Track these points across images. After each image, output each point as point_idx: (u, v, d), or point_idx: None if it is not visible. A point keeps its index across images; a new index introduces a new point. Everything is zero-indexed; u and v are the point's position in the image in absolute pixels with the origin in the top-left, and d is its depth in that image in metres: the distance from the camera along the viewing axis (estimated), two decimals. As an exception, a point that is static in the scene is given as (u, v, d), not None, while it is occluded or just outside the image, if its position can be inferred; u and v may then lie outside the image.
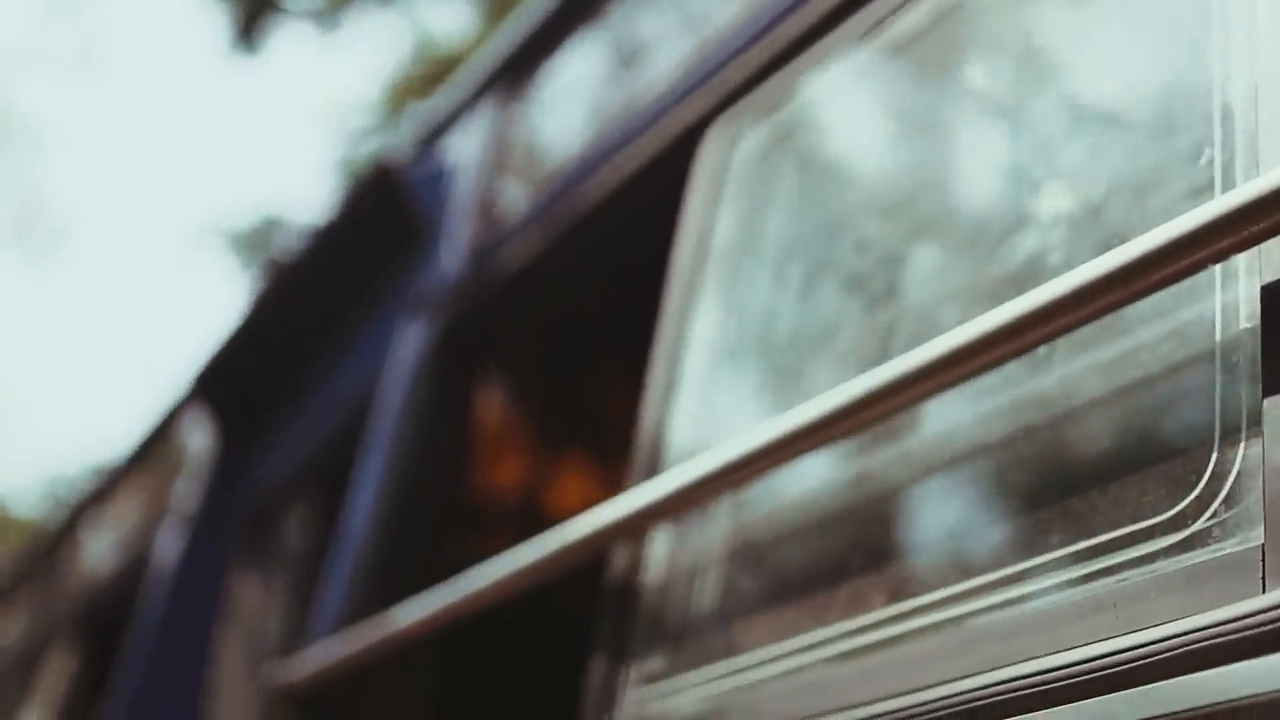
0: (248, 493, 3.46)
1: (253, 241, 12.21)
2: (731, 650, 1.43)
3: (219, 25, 12.10)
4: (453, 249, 2.59)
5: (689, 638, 1.50)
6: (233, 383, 3.52)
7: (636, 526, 1.57)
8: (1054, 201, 1.30)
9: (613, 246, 2.26)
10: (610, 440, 2.74)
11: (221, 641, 3.29)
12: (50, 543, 5.22)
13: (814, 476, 1.42)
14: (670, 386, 1.72)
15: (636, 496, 1.56)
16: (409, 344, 2.55)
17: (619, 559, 1.65)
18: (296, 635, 2.85)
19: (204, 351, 3.60)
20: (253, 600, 3.29)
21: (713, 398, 1.67)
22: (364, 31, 12.22)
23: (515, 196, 2.51)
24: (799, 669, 1.34)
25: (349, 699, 2.26)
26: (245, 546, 3.38)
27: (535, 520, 2.86)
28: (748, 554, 1.47)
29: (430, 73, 11.56)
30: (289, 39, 12.09)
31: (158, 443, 4.23)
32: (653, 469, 1.67)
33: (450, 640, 2.31)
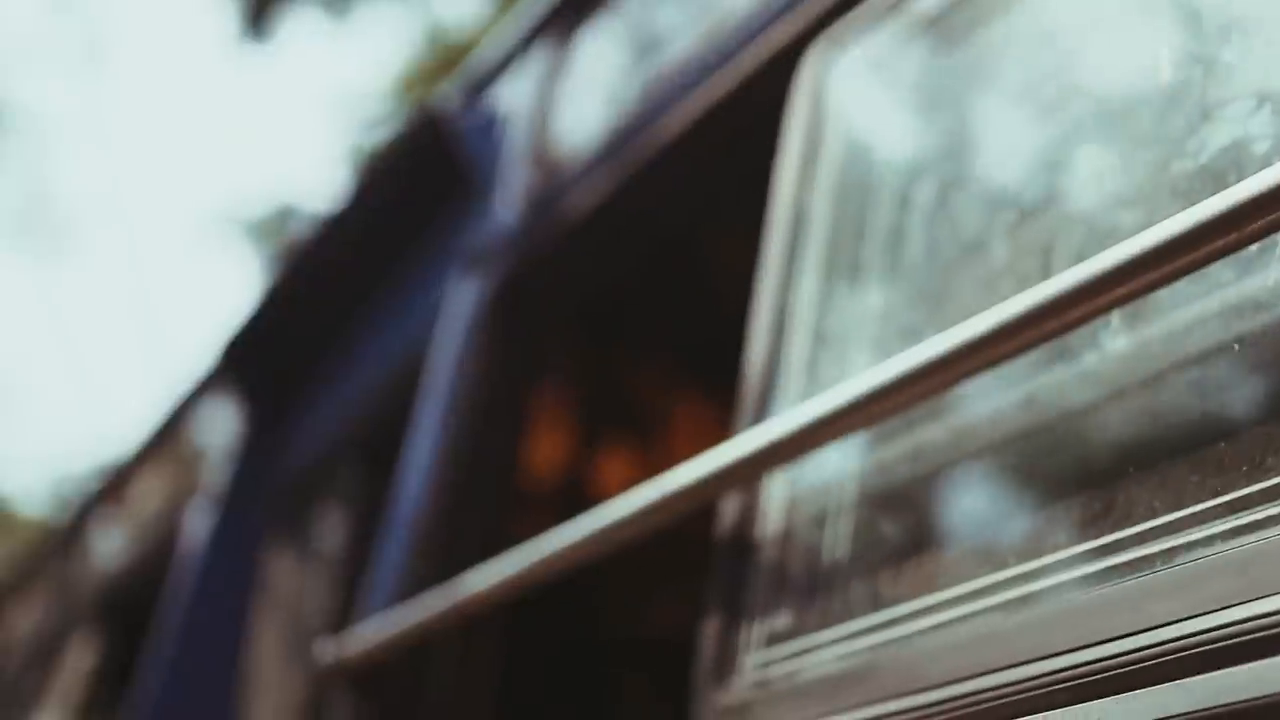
0: (281, 469, 3.30)
1: (266, 230, 12.05)
2: (874, 604, 1.27)
3: (228, 14, 11.97)
4: (508, 199, 2.43)
5: (820, 591, 1.34)
6: (263, 354, 3.36)
7: (750, 472, 1.41)
8: (1254, 84, 1.14)
9: (692, 185, 2.10)
10: (690, 401, 2.58)
11: (257, 623, 3.13)
12: (67, 532, 5.06)
13: (969, 404, 1.26)
14: (779, 322, 1.56)
15: (749, 440, 1.40)
16: (463, 301, 2.39)
17: (729, 509, 1.49)
18: (343, 612, 2.69)
19: (229, 326, 3.44)
20: (289, 580, 3.13)
21: (830, 331, 1.51)
22: (375, 20, 12.07)
23: (577, 140, 2.35)
24: (957, 621, 1.18)
25: (408, 675, 2.10)
26: (280, 525, 3.22)
27: (604, 489, 2.71)
28: (891, 495, 1.31)
29: (442, 61, 11.42)
30: (299, 28, 11.93)
31: (180, 423, 4.06)
32: (763, 410, 1.51)
33: (515, 610, 2.15)
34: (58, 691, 4.37)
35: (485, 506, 2.22)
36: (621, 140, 2.20)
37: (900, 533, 1.28)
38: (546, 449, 2.56)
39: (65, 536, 5.08)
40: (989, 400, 1.23)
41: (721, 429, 1.61)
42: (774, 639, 1.35)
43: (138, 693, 3.31)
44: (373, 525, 2.81)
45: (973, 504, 1.22)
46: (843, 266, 1.54)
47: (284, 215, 12.02)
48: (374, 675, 2.09)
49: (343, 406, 2.97)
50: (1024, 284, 1.27)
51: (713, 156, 2.05)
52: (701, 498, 1.46)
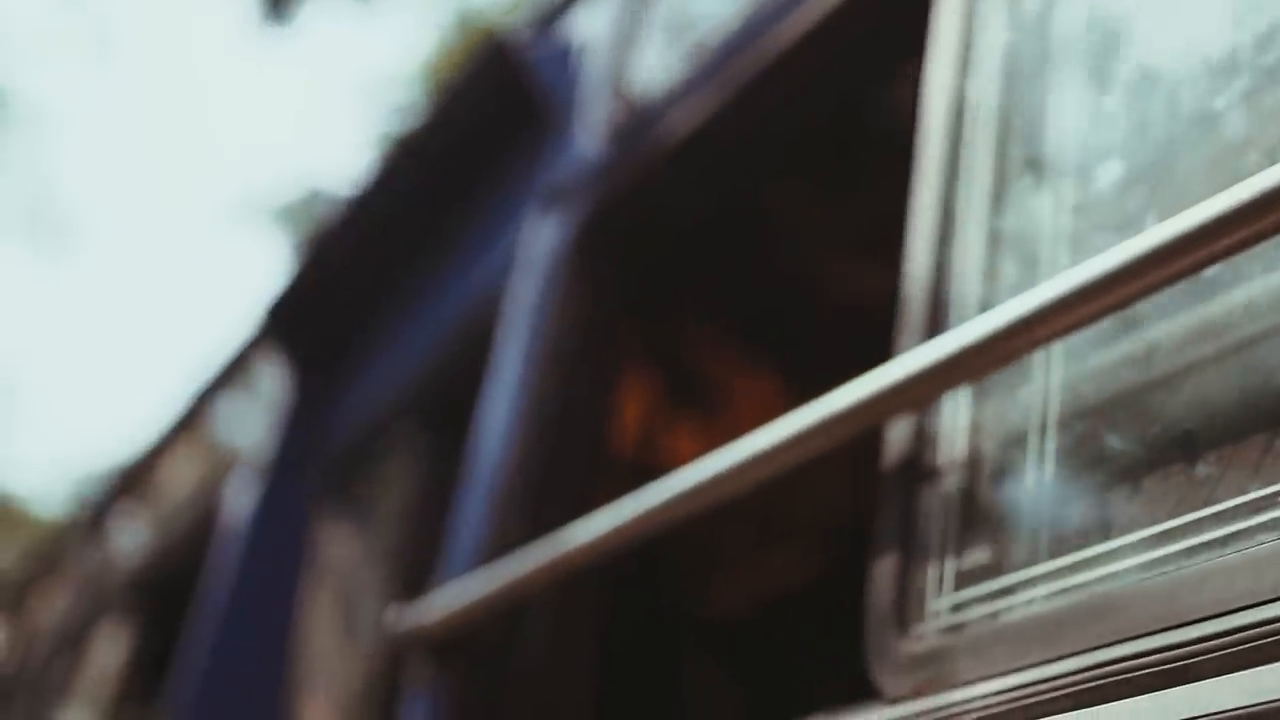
0: (331, 436, 3.12)
1: (292, 217, 11.86)
2: (1098, 532, 1.07)
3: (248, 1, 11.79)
4: (589, 131, 2.23)
5: (1024, 521, 1.14)
6: (309, 316, 3.17)
7: (927, 391, 1.22)
8: None
9: (803, 99, 1.91)
10: (797, 343, 2.38)
11: (309, 597, 2.94)
12: (93, 518, 4.87)
13: (1215, 292, 1.06)
14: (943, 227, 1.36)
15: (924, 355, 1.21)
16: (542, 242, 2.19)
17: (897, 436, 1.29)
18: (407, 581, 2.50)
19: (271, 290, 3.25)
20: (344, 551, 2.94)
21: (1010, 230, 1.31)
22: (402, 3, 11.88)
23: (666, 64, 2.15)
24: (1212, 546, 0.98)
25: (494, 642, 1.91)
26: (331, 495, 3.03)
27: (723, 421, 2.52)
28: (1114, 405, 1.11)
29: (470, 45, 11.23)
30: (323, 11, 11.74)
31: (216, 398, 3.87)
32: (934, 322, 1.31)
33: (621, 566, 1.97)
34: (87, 679, 4.19)
35: (575, 461, 2.03)
36: (720, 60, 2.00)
37: (1131, 449, 1.08)
38: (660, 385, 2.37)
39: (91, 523, 4.90)
40: (1243, 286, 1.03)
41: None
42: (968, 578, 1.16)
43: (180, 673, 3.12)
44: (437, 488, 2.62)
45: (1224, 409, 1.02)
46: (1021, 159, 1.34)
47: (310, 201, 11.83)
48: (455, 643, 1.89)
49: (400, 366, 2.78)
50: (1273, 156, 1.08)
51: (833, 64, 1.85)
52: (864, 423, 1.27)
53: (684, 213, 2.14)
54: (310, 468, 3.14)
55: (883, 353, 1.36)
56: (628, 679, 2.67)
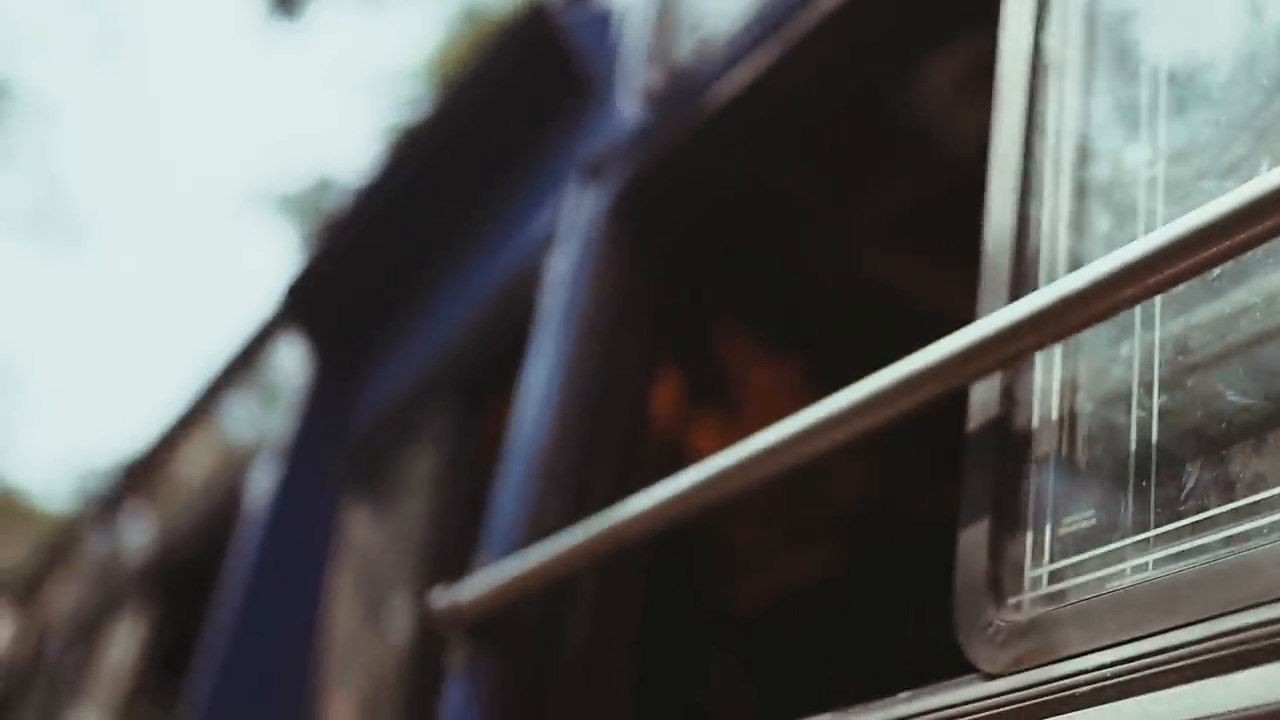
0: (355, 417, 3.05)
1: (302, 210, 11.79)
2: (1221, 493, 1.00)
3: (258, -7, 11.72)
4: (628, 97, 2.16)
5: (1132, 483, 1.07)
6: (331, 295, 3.10)
7: (1017, 349, 1.15)
8: None
9: (854, 63, 1.84)
10: (856, 312, 2.31)
11: (332, 584, 2.87)
12: (105, 507, 4.80)
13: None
14: (1024, 178, 1.30)
15: (1013, 312, 1.14)
16: (581, 213, 2.12)
17: (982, 397, 1.22)
18: (440, 564, 2.44)
19: (291, 270, 3.18)
20: (368, 536, 2.87)
21: (1100, 181, 1.24)
22: (409, -2, 11.82)
23: (711, 27, 2.08)
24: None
25: (537, 622, 1.84)
26: (357, 476, 2.96)
27: (745, 413, 2.46)
28: (1232, 357, 1.04)
29: (478, 39, 11.16)
30: (333, 6, 11.68)
31: (233, 380, 3.80)
32: (1019, 278, 1.25)
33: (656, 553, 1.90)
34: (102, 671, 4.12)
35: (615, 437, 1.96)
36: (765, 23, 1.93)
37: (1250, 403, 1.01)
38: (704, 355, 2.30)
39: (105, 512, 4.83)
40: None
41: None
42: (1069, 544, 1.09)
43: (200, 663, 3.05)
44: (465, 471, 2.56)
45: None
46: (1108, 106, 1.27)
47: (319, 194, 11.76)
48: (495, 625, 1.83)
49: (428, 346, 2.71)
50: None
51: (882, 30, 1.78)
52: (950, 384, 1.20)
53: (728, 178, 2.07)
54: (333, 452, 3.08)
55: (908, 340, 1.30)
56: (652, 674, 2.60)
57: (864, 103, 2.17)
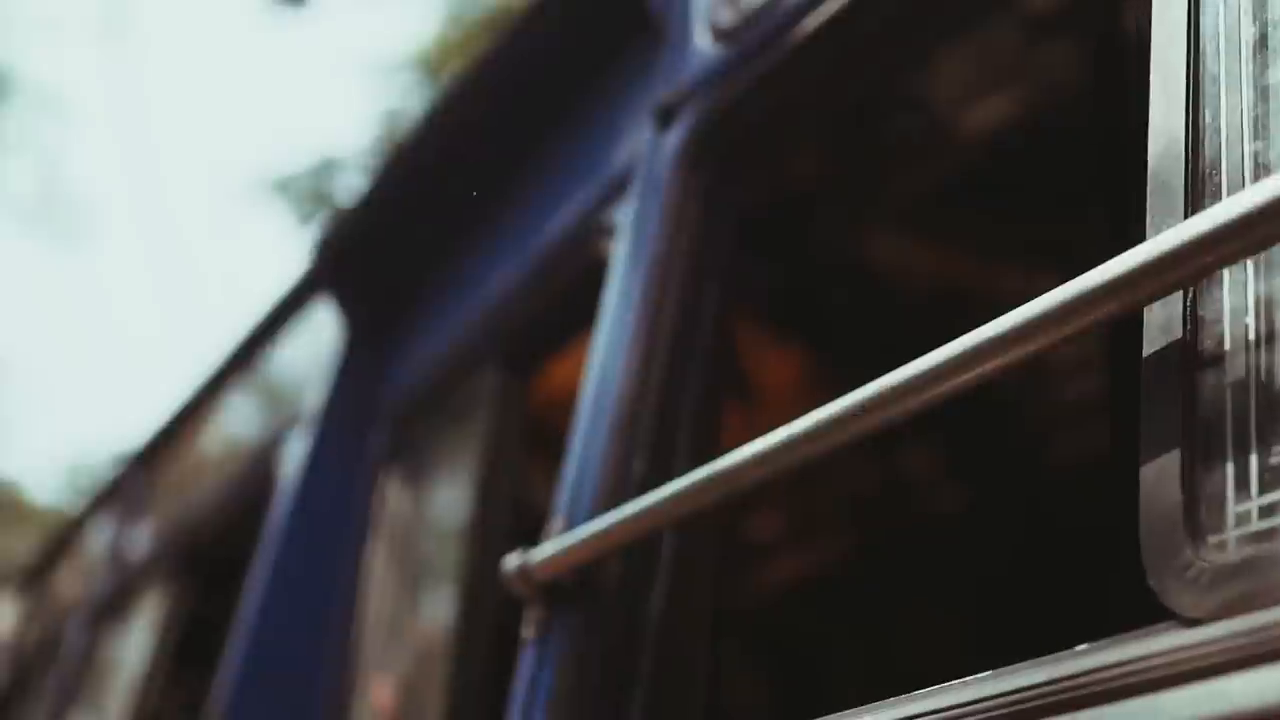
0: (393, 385, 2.92)
1: (302, 196, 11.64)
2: None
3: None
4: (702, 34, 2.04)
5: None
6: (369, 255, 2.96)
7: (1197, 268, 1.03)
8: None
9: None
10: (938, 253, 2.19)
11: (372, 557, 2.75)
12: (125, 485, 4.67)
13: None
14: (1191, 84, 1.18)
15: (1191, 228, 1.02)
16: (653, 157, 2.00)
17: (1157, 319, 1.10)
18: (494, 533, 2.32)
19: (328, 227, 3.05)
20: (410, 508, 2.75)
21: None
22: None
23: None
24: None
25: (614, 588, 1.71)
26: (393, 448, 2.83)
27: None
28: None
29: (479, 25, 11.05)
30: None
31: (261, 348, 3.65)
32: (1194, 196, 1.13)
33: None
34: (120, 655, 4.00)
35: (697, 393, 1.83)
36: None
37: None
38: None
39: (117, 495, 4.70)
40: None
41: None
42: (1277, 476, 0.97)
43: (230, 644, 2.93)
44: (514, 436, 2.44)
45: None
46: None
47: (321, 179, 11.62)
48: (574, 589, 1.71)
49: (474, 305, 2.58)
50: None
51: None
52: (1125, 305, 1.08)
53: (808, 113, 1.95)
54: (368, 423, 2.96)
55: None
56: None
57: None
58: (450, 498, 2.59)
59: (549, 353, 2.42)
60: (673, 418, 1.79)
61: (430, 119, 2.67)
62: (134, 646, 3.86)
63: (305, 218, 11.39)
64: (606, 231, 2.04)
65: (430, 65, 11.46)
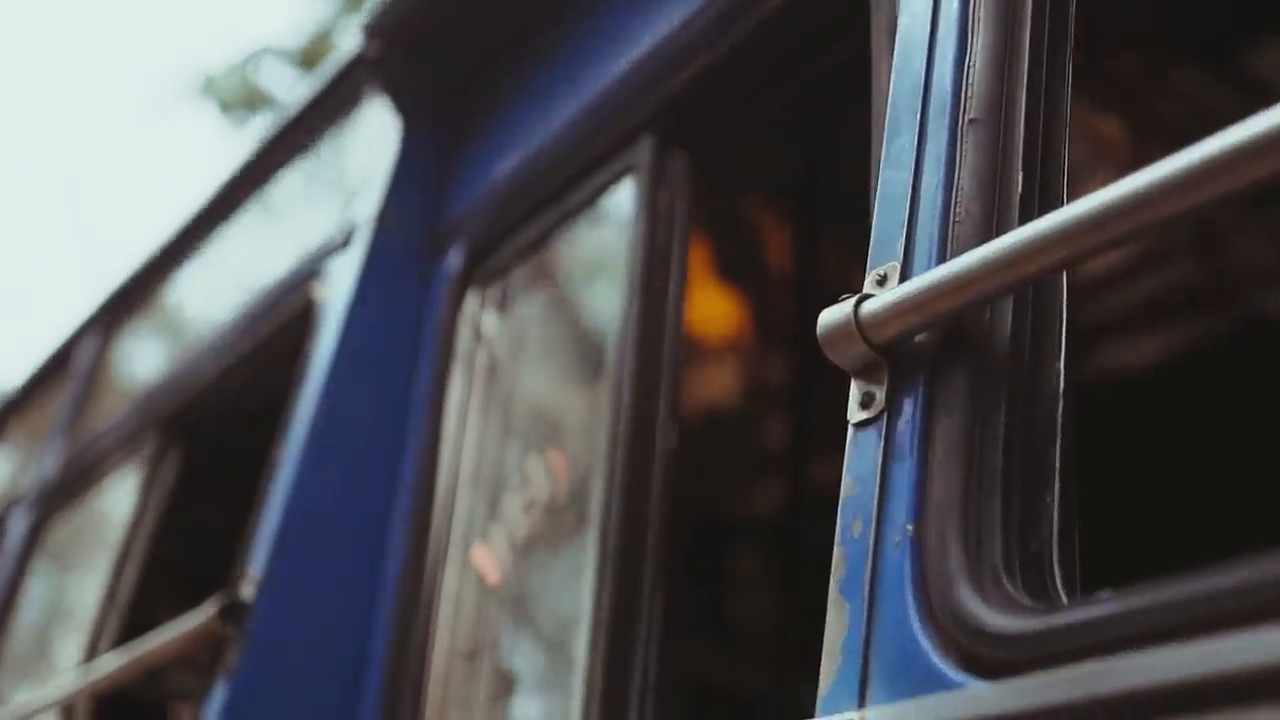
0: (459, 200, 2.40)
1: (228, 93, 10.89)
2: None
3: None
4: None
5: None
6: (430, 48, 2.43)
7: None
8: None
9: None
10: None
11: (461, 393, 2.21)
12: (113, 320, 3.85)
13: None
14: None
15: None
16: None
17: None
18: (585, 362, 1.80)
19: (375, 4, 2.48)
20: (511, 334, 2.22)
21: None
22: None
23: None
24: None
25: (955, 348, 1.20)
26: (475, 269, 2.30)
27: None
28: None
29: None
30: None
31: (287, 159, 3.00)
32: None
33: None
34: (111, 508, 3.34)
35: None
36: None
37: None
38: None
39: (107, 328, 3.90)
40: None
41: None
42: None
43: (272, 483, 2.36)
44: (685, 222, 1.93)
45: None
46: None
47: (248, 73, 10.88)
48: (915, 347, 1.19)
49: (548, 111, 2.05)
50: None
51: None
52: None
53: None
54: (429, 240, 2.43)
55: None
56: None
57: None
58: (574, 314, 2.06)
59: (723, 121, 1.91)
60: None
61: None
62: (123, 502, 3.20)
63: (234, 116, 10.65)
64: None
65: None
